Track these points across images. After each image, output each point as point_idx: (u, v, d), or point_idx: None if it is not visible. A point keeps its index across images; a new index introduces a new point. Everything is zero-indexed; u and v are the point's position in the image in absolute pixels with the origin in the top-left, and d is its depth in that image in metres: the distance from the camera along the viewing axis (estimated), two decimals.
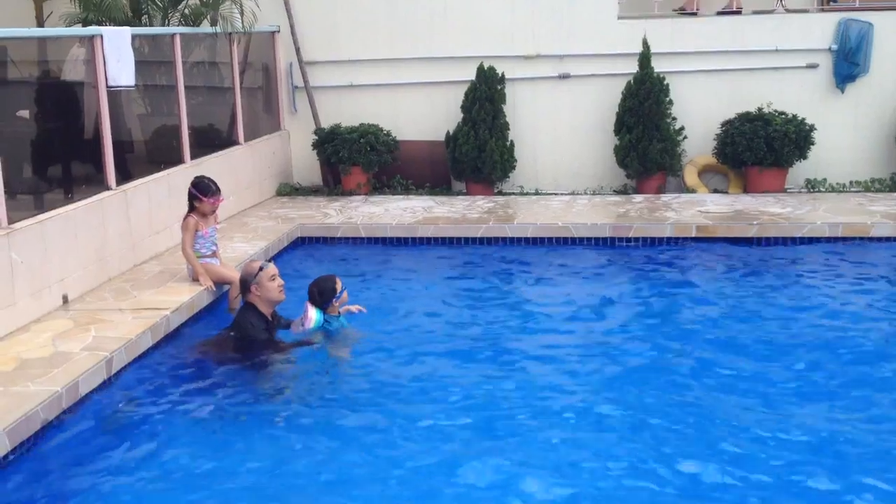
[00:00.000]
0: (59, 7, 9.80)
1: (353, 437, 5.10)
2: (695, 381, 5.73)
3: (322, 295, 6.50)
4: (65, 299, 6.68)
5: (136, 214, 7.75)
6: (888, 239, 8.64)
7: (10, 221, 6.24)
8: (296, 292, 6.67)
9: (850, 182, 10.56)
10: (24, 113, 8.26)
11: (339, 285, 6.56)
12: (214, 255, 7.18)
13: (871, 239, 8.68)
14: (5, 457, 4.69)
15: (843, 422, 5.12)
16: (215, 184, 7.09)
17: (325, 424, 5.26)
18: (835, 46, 10.49)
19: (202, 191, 7.01)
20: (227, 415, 5.41)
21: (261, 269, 6.37)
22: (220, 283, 7.15)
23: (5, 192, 6.19)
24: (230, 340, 6.36)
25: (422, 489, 4.56)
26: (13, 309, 6.14)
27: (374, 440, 5.05)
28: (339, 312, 6.57)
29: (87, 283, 6.99)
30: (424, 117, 11.06)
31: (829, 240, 8.70)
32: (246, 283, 6.39)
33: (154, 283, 7.17)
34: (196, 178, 7.14)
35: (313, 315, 6.38)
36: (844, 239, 8.70)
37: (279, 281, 6.39)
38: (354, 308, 6.64)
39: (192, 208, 7.03)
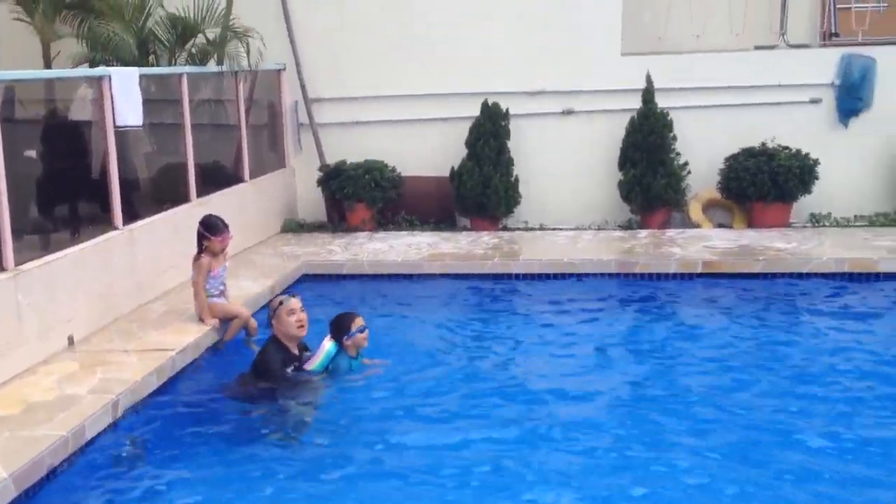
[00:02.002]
0: (66, 47, 9.88)
1: (364, 478, 5.07)
2: (704, 418, 5.71)
3: (337, 329, 6.48)
4: (70, 340, 6.67)
5: (143, 254, 7.76)
6: (895, 275, 8.61)
7: (17, 263, 6.26)
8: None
9: (855, 216, 10.56)
10: (32, 153, 8.31)
11: (356, 323, 6.48)
12: (222, 294, 7.19)
13: (877, 274, 8.66)
14: (12, 502, 4.65)
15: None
16: (223, 221, 7.11)
17: (333, 464, 5.23)
18: (837, 81, 10.54)
19: (211, 230, 7.02)
20: (233, 457, 5.38)
21: (280, 303, 6.42)
22: (226, 319, 7.14)
23: (12, 233, 6.20)
24: (250, 373, 6.40)
25: None
26: (20, 351, 6.13)
27: (384, 479, 5.04)
28: (355, 353, 6.52)
29: (94, 323, 6.99)
30: (429, 153, 11.10)
31: (834, 275, 8.68)
32: (270, 316, 6.49)
33: (160, 324, 7.17)
34: (204, 217, 7.16)
35: (326, 346, 6.39)
36: (850, 274, 8.68)
37: (298, 316, 6.38)
38: (377, 364, 6.62)
39: (201, 248, 7.04)
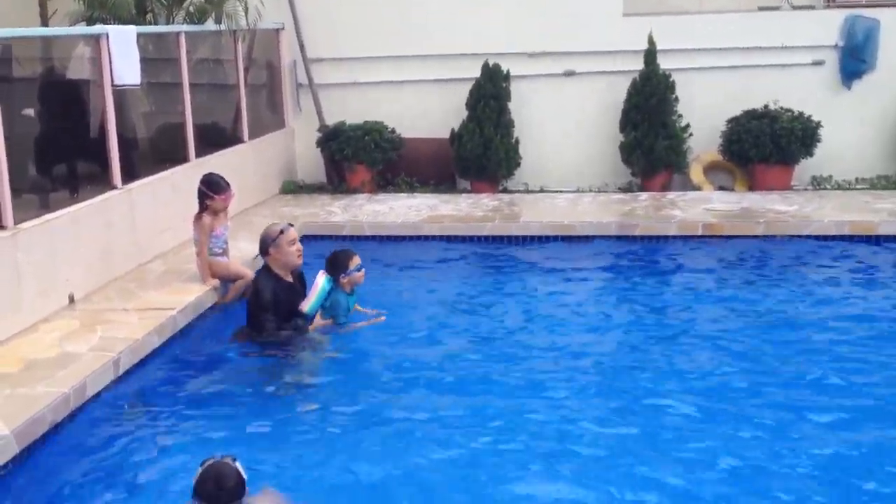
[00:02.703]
0: (63, 5, 9.77)
1: (364, 430, 5.11)
2: (701, 380, 5.73)
3: (333, 266, 6.55)
4: (71, 299, 6.67)
5: (141, 213, 7.74)
6: (894, 237, 8.60)
7: (17, 222, 6.23)
8: None
9: (856, 179, 10.53)
10: (29, 112, 8.25)
11: (354, 261, 6.58)
12: (224, 253, 7.16)
13: (877, 237, 8.64)
14: (14, 459, 4.68)
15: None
16: (225, 180, 7.07)
17: (331, 420, 5.27)
18: (841, 43, 10.46)
19: (213, 188, 6.98)
20: (233, 413, 5.41)
21: (281, 231, 6.47)
22: (231, 279, 7.12)
23: (11, 192, 6.18)
24: (247, 321, 6.49)
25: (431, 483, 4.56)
26: (20, 309, 6.13)
27: (385, 433, 5.09)
28: (350, 290, 6.59)
29: (93, 282, 6.99)
30: (429, 115, 11.03)
31: (835, 238, 8.66)
32: (265, 245, 6.53)
33: (160, 283, 7.16)
34: (205, 175, 7.11)
35: (319, 282, 6.43)
36: (851, 237, 8.67)
37: (298, 246, 6.52)
38: (371, 313, 6.68)
39: (203, 207, 7.00)
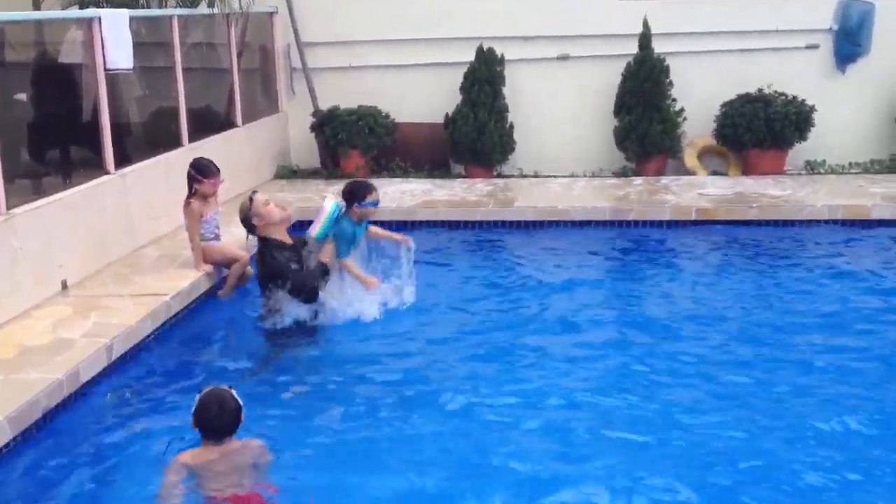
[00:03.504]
0: None
1: (365, 414, 5.13)
2: (695, 363, 5.77)
3: (351, 193, 6.64)
4: (63, 285, 6.67)
5: (135, 198, 7.73)
6: (888, 221, 8.63)
7: (9, 207, 6.22)
8: None
9: (850, 163, 10.54)
10: (22, 96, 8.22)
11: (372, 195, 6.66)
12: (216, 237, 7.15)
13: (871, 221, 8.66)
14: (7, 444, 4.69)
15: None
16: (214, 164, 7.06)
17: (334, 399, 5.31)
18: (836, 26, 10.44)
19: (202, 172, 6.97)
20: None
21: (251, 199, 6.56)
22: (226, 263, 7.11)
23: (4, 178, 6.16)
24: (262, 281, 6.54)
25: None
26: (14, 295, 6.13)
27: (385, 417, 5.11)
28: (358, 221, 6.64)
29: (87, 268, 6.98)
30: (423, 99, 11.01)
31: (828, 222, 8.69)
32: (248, 220, 6.56)
33: (153, 269, 7.16)
34: (195, 159, 7.10)
35: (326, 207, 6.48)
36: (844, 221, 8.69)
37: (273, 204, 6.60)
38: (397, 236, 6.81)
39: (192, 192, 6.99)
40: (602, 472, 4.46)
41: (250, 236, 6.80)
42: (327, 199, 6.62)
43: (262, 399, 5.28)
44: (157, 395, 5.50)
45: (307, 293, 6.39)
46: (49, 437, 4.94)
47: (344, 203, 6.68)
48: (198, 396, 4.22)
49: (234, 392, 4.24)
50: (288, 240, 6.60)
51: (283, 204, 6.71)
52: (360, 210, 6.63)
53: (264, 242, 6.57)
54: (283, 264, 6.41)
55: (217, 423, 4.17)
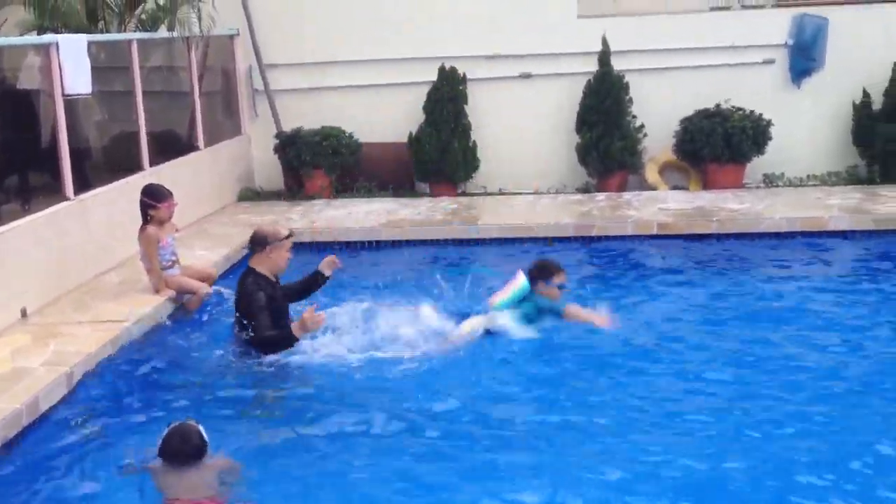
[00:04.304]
0: (13, 14, 9.65)
1: (348, 446, 5.08)
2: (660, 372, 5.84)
3: (539, 270, 6.38)
4: (23, 313, 6.60)
5: (95, 224, 7.67)
6: (844, 232, 8.78)
7: None
8: None
9: (808, 176, 10.70)
10: None
11: (561, 276, 6.39)
12: (175, 264, 7.10)
13: (828, 232, 8.81)
14: None
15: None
16: (165, 188, 7.04)
17: (293, 422, 5.27)
18: (790, 41, 10.63)
19: (155, 197, 6.92)
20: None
21: (288, 236, 6.41)
22: (182, 293, 7.07)
23: None
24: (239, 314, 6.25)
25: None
26: None
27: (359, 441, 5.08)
28: (540, 302, 6.36)
29: (46, 295, 6.91)
30: (387, 119, 11.04)
31: (787, 234, 8.82)
32: (265, 241, 6.31)
33: (114, 294, 7.10)
34: (145, 186, 7.07)
35: (520, 280, 6.23)
36: (803, 233, 8.83)
37: (291, 255, 6.46)
38: (599, 320, 6.38)
39: (147, 219, 6.94)
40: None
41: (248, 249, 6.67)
42: (521, 274, 6.32)
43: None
44: (119, 421, 5.44)
45: (263, 349, 6.15)
46: (8, 467, 4.86)
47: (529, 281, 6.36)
48: (166, 429, 4.45)
49: (199, 427, 4.46)
50: (273, 279, 6.40)
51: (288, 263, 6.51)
52: (546, 289, 6.37)
53: (251, 273, 6.33)
54: (265, 302, 6.14)
55: (178, 455, 4.40)
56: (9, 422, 4.99)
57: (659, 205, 9.72)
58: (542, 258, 6.60)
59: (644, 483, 4.52)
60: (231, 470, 4.54)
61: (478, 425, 5.24)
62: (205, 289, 7.07)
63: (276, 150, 10.87)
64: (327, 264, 6.73)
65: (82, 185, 7.73)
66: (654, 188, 10.62)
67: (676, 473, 4.61)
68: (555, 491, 4.45)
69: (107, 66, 8.91)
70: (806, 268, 8.11)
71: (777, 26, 10.69)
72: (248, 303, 6.17)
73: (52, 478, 4.82)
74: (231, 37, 11.03)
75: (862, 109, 10.38)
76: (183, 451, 4.38)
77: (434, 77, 10.64)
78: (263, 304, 6.13)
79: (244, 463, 4.66)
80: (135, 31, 9.62)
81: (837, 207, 9.22)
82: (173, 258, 7.08)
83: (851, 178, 10.52)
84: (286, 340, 6.04)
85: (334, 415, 5.38)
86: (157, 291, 6.98)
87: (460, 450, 4.96)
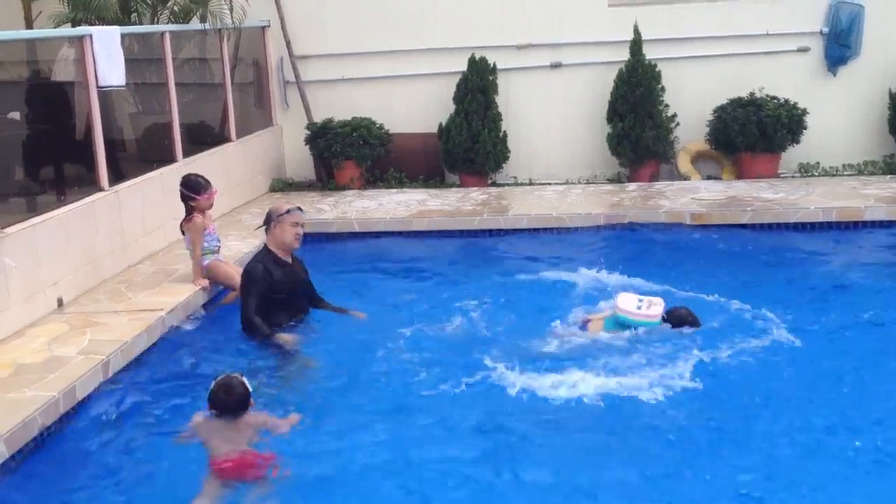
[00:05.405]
0: (48, 7, 9.75)
1: (368, 432, 5.10)
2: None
3: (674, 321, 6.00)
4: (59, 302, 6.68)
5: (129, 215, 7.74)
6: (881, 223, 8.65)
7: (3, 226, 6.24)
8: None
9: (843, 165, 10.56)
10: (15, 115, 8.25)
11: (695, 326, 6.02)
12: (219, 250, 7.16)
13: (864, 223, 8.68)
14: (4, 463, 4.69)
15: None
16: (204, 178, 7.08)
17: (322, 418, 5.27)
18: (826, 29, 10.48)
19: (194, 189, 6.99)
20: None
21: (288, 210, 6.45)
22: (225, 283, 7.10)
23: None
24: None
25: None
26: (8, 313, 6.14)
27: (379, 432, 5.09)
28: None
29: (81, 285, 6.99)
30: (417, 109, 11.04)
31: (822, 224, 8.70)
32: (269, 218, 6.47)
33: (148, 284, 7.17)
34: (184, 177, 7.11)
35: (656, 317, 5.93)
36: (839, 223, 8.71)
37: (299, 230, 6.49)
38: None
39: (189, 210, 7.00)
40: None
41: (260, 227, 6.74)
42: (660, 311, 5.98)
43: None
44: (155, 409, 5.49)
45: (244, 329, 6.31)
46: (46, 456, 4.93)
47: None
48: (213, 382, 4.79)
49: (244, 379, 4.79)
50: (288, 258, 6.48)
51: (299, 238, 6.52)
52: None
53: (264, 250, 6.51)
54: (262, 277, 6.26)
55: (223, 405, 4.71)
56: (46, 410, 5.05)
57: (692, 194, 9.62)
58: (682, 309, 6.15)
59: None
60: (273, 426, 4.83)
61: None
62: None
63: (307, 141, 10.90)
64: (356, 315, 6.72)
65: (117, 176, 7.81)
66: (686, 178, 10.53)
67: None
68: None
69: (140, 57, 8.99)
70: (840, 257, 7.97)
71: (812, 14, 10.53)
72: (244, 279, 6.41)
73: (89, 464, 4.89)
74: (262, 28, 11.07)
75: None
76: (227, 402, 4.69)
77: (464, 67, 10.60)
78: (257, 282, 6.28)
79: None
80: (167, 23, 9.67)
81: (874, 197, 9.08)
82: (218, 244, 7.15)
83: (888, 168, 10.36)
84: (263, 336, 6.21)
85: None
86: (195, 280, 7.03)
87: None
